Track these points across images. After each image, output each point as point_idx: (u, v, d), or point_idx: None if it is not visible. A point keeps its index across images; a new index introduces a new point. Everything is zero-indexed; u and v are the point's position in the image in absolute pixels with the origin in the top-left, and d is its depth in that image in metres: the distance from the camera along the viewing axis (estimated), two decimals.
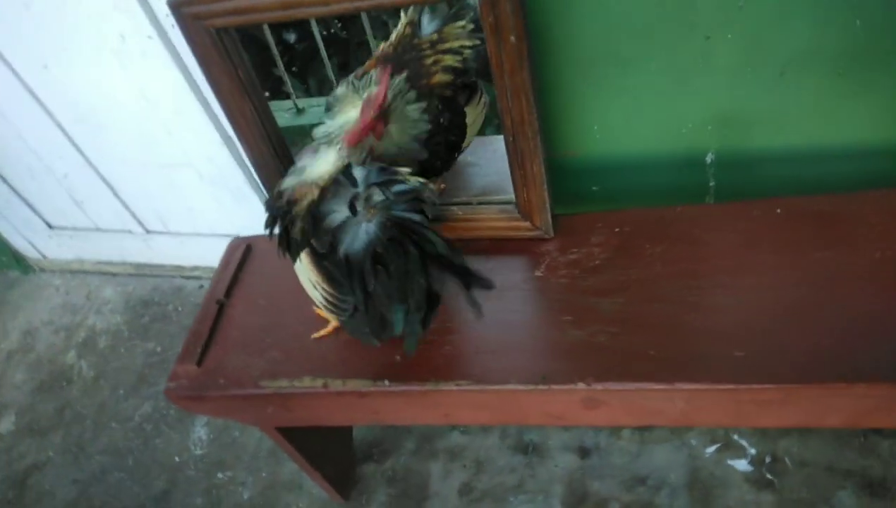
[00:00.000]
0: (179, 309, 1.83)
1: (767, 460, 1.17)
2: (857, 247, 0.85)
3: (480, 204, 1.01)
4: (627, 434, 1.25)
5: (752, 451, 1.17)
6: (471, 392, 0.86)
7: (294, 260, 0.86)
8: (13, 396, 1.75)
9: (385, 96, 0.83)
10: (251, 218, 1.50)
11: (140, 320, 1.85)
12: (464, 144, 1.00)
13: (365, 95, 0.85)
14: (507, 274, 0.97)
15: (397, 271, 0.73)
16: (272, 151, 0.99)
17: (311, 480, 1.28)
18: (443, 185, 1.08)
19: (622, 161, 1.09)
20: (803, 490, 1.12)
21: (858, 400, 0.76)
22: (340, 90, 0.92)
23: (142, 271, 1.95)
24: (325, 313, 0.93)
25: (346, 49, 2.08)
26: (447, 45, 0.90)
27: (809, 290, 0.83)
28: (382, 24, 1.77)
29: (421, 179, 0.78)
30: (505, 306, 0.92)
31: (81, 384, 1.73)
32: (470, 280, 0.76)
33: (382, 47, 0.93)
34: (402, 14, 0.93)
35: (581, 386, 0.81)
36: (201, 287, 1.84)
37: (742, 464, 1.17)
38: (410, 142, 0.90)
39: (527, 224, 0.98)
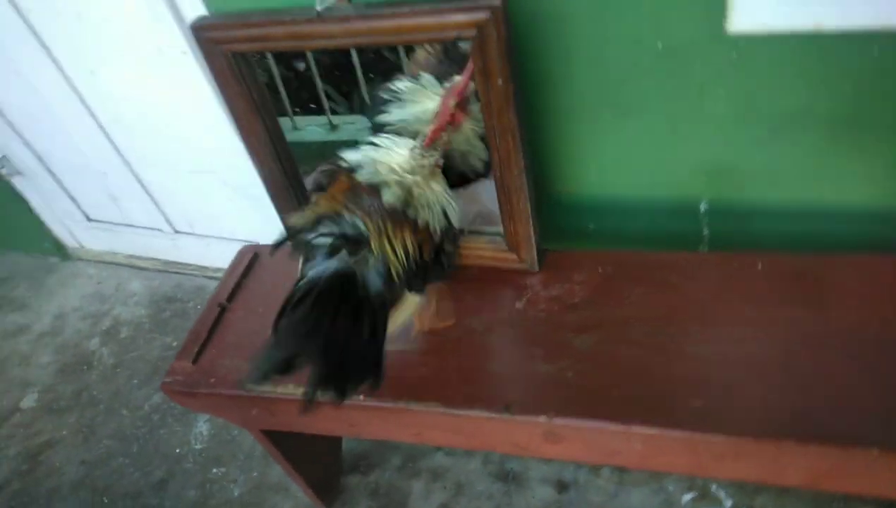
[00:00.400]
0: (198, 307, 1.92)
1: None
2: (832, 310, 0.86)
3: (472, 232, 1.05)
4: (607, 472, 1.26)
5: (729, 503, 1.16)
6: (439, 414, 0.89)
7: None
8: (38, 375, 1.85)
9: (468, 83, 0.84)
10: (268, 226, 1.57)
11: (161, 314, 1.95)
12: None
13: (447, 86, 0.88)
14: (490, 303, 1.00)
15: (302, 317, 0.73)
16: (280, 168, 1.06)
17: (297, 484, 1.32)
18: None
19: (617, 202, 1.12)
20: None
21: (813, 461, 0.77)
22: (405, 84, 0.93)
23: (168, 268, 2.05)
24: None
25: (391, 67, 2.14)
26: None
27: (776, 348, 0.83)
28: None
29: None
30: (483, 334, 0.96)
31: (100, 370, 1.82)
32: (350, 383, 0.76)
33: (422, 54, 0.97)
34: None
35: (543, 419, 0.84)
36: None
37: None
38: (476, 138, 0.93)
39: (513, 256, 1.01)
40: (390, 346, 0.84)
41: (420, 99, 0.92)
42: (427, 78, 0.93)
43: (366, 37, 0.82)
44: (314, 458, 1.28)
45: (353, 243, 0.78)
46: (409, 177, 0.85)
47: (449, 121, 0.86)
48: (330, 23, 0.82)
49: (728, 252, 0.97)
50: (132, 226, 1.95)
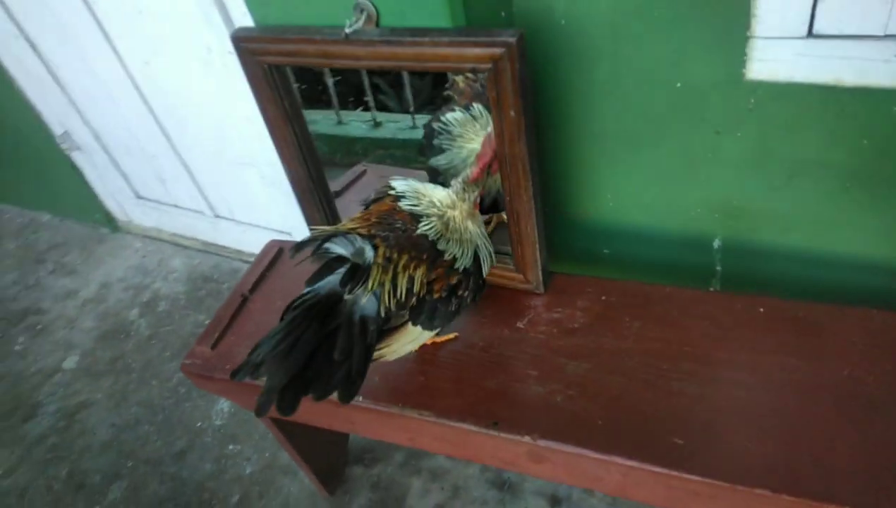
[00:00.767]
0: (231, 289, 2.01)
1: None
2: (828, 362, 0.86)
3: None
4: (601, 493, 1.28)
5: None
6: (430, 423, 0.93)
7: None
8: (80, 339, 1.98)
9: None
10: (301, 220, 1.64)
11: (197, 292, 2.05)
12: None
13: (486, 134, 0.93)
14: (493, 319, 1.04)
15: (275, 331, 0.79)
16: (306, 172, 1.11)
17: (302, 471, 1.39)
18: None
19: (632, 230, 1.13)
20: None
21: None
22: (456, 115, 0.99)
23: (208, 248, 2.15)
24: None
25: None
26: None
27: (766, 394, 0.84)
28: None
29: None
30: (483, 349, 0.99)
31: (137, 340, 1.94)
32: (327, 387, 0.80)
33: (462, 81, 1.01)
34: None
35: (527, 438, 0.87)
36: None
37: None
38: None
39: (520, 276, 1.05)
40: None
41: (469, 134, 0.97)
42: (477, 108, 0.97)
43: (389, 61, 0.86)
44: (320, 448, 1.34)
45: (351, 270, 0.81)
46: (449, 211, 0.89)
47: (487, 166, 0.91)
48: (356, 45, 0.87)
49: (733, 293, 0.98)
50: (177, 207, 2.06)
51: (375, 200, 0.93)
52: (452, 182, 0.91)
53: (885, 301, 0.98)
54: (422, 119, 1.17)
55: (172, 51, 1.45)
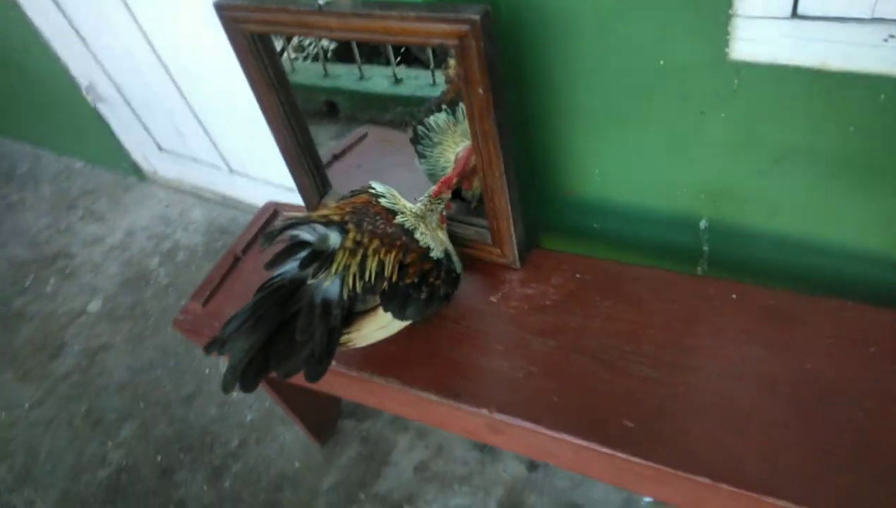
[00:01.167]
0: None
1: None
2: (791, 353, 0.85)
3: (462, 222, 1.09)
4: None
5: None
6: (396, 390, 0.97)
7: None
8: (104, 284, 2.09)
9: (464, 167, 0.98)
10: None
11: (214, 244, 2.12)
12: None
13: (465, 147, 0.98)
14: (468, 292, 1.05)
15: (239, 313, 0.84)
16: (294, 139, 1.13)
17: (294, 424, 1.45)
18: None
19: (620, 207, 1.12)
20: None
21: (726, 501, 0.78)
22: (439, 118, 1.03)
23: (226, 202, 2.21)
24: None
25: None
26: None
27: (722, 383, 0.84)
28: None
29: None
30: (454, 322, 1.01)
31: (155, 287, 2.03)
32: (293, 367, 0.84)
33: (453, 64, 1.02)
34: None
35: (485, 411, 0.89)
36: None
37: None
38: None
39: (497, 250, 1.05)
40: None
41: (447, 142, 1.00)
42: (462, 110, 0.97)
43: (360, 33, 0.86)
44: (311, 404, 1.40)
45: (311, 255, 0.84)
46: (420, 222, 0.93)
47: (450, 185, 0.95)
48: (329, 16, 0.86)
49: (708, 277, 0.97)
50: (195, 161, 2.11)
51: (354, 194, 0.96)
52: (420, 198, 0.95)
53: (867, 291, 0.95)
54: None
55: (182, 9, 1.46)
